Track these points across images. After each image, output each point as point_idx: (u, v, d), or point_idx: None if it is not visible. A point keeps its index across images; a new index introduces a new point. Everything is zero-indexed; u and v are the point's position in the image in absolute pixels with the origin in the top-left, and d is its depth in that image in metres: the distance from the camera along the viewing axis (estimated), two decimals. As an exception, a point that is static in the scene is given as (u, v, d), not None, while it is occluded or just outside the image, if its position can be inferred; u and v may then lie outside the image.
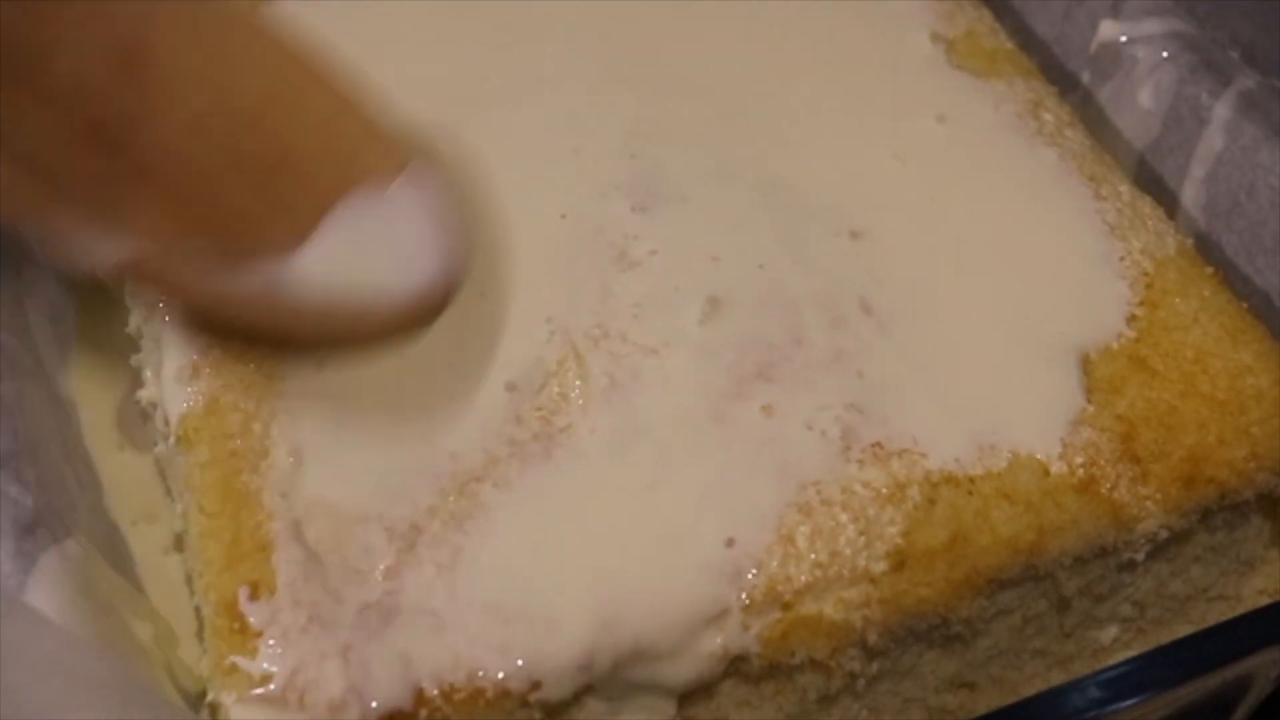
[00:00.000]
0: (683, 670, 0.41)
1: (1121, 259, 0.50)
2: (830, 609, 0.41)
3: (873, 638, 0.42)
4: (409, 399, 0.45)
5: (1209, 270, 0.50)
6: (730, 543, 0.42)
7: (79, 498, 0.48)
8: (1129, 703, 0.41)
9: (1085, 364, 0.47)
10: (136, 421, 0.52)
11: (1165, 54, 0.56)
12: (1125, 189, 0.52)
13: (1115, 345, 0.47)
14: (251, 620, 0.40)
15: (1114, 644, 0.48)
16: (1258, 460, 0.45)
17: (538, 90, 0.54)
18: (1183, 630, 0.49)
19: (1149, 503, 0.44)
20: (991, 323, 0.48)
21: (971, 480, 0.44)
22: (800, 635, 0.41)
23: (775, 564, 0.41)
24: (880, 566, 0.42)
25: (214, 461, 0.44)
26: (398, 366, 0.46)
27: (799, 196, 0.51)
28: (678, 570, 0.41)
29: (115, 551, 0.49)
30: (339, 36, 0.44)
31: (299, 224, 0.41)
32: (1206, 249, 0.52)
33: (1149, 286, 0.49)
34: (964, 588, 0.43)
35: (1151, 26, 0.57)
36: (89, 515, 0.48)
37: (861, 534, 0.42)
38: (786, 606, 0.41)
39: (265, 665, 0.39)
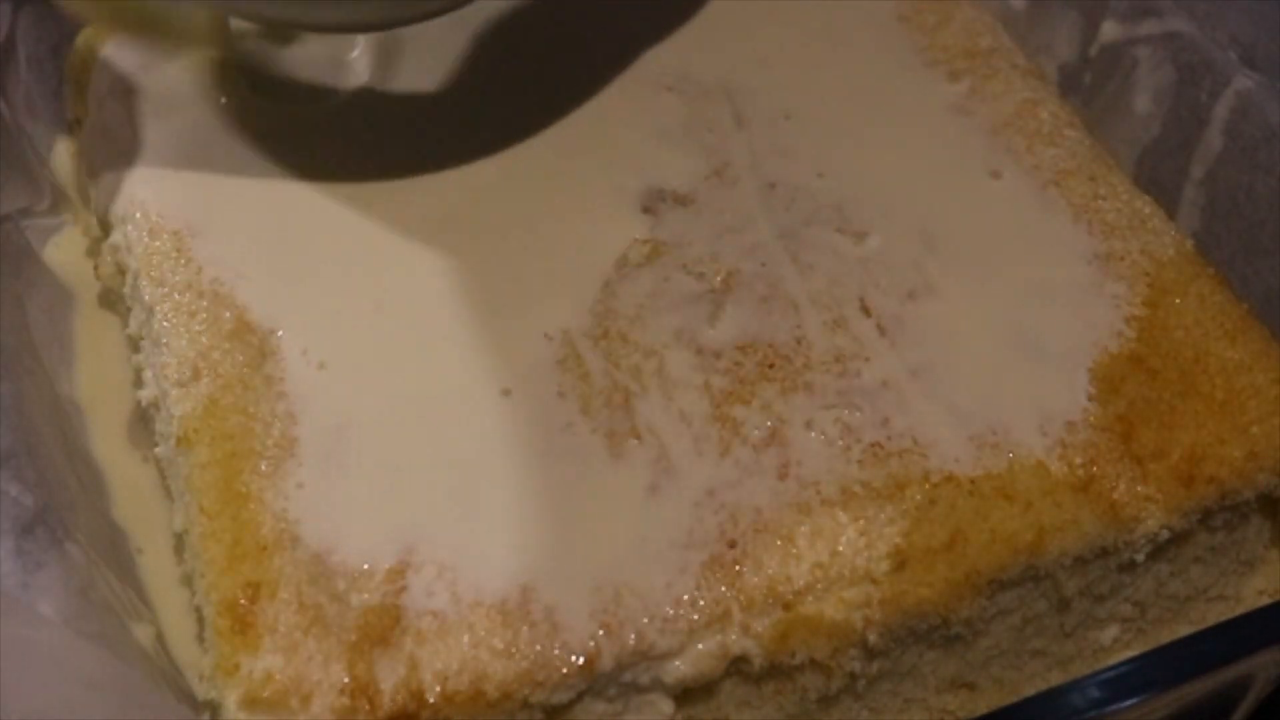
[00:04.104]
0: (684, 671, 0.41)
1: (1121, 259, 0.50)
2: (830, 609, 0.41)
3: (873, 638, 0.42)
4: (410, 401, 0.45)
5: (1209, 270, 0.50)
6: (731, 544, 0.42)
7: (80, 498, 0.48)
8: (1129, 703, 0.41)
9: (1085, 364, 0.47)
10: (136, 422, 0.52)
11: (1165, 54, 0.56)
12: (1125, 189, 0.52)
13: (1115, 345, 0.47)
14: (253, 621, 0.40)
15: (1114, 644, 0.48)
16: (1258, 460, 0.45)
17: (543, 92, 0.54)
18: (1183, 630, 0.49)
19: (1149, 503, 0.44)
20: (991, 323, 0.48)
21: (972, 480, 0.44)
22: (800, 635, 0.41)
23: (775, 564, 0.42)
24: (880, 566, 0.42)
25: (214, 462, 0.44)
26: (398, 367, 0.46)
27: (801, 199, 0.51)
28: (679, 571, 0.41)
29: (116, 552, 0.49)
30: None
31: None
32: (1206, 249, 0.52)
33: (1149, 286, 0.49)
34: (964, 588, 0.42)
35: (1151, 27, 0.57)
36: (90, 515, 0.48)
37: (861, 534, 0.42)
38: (787, 606, 0.41)
39: (267, 666, 0.39)
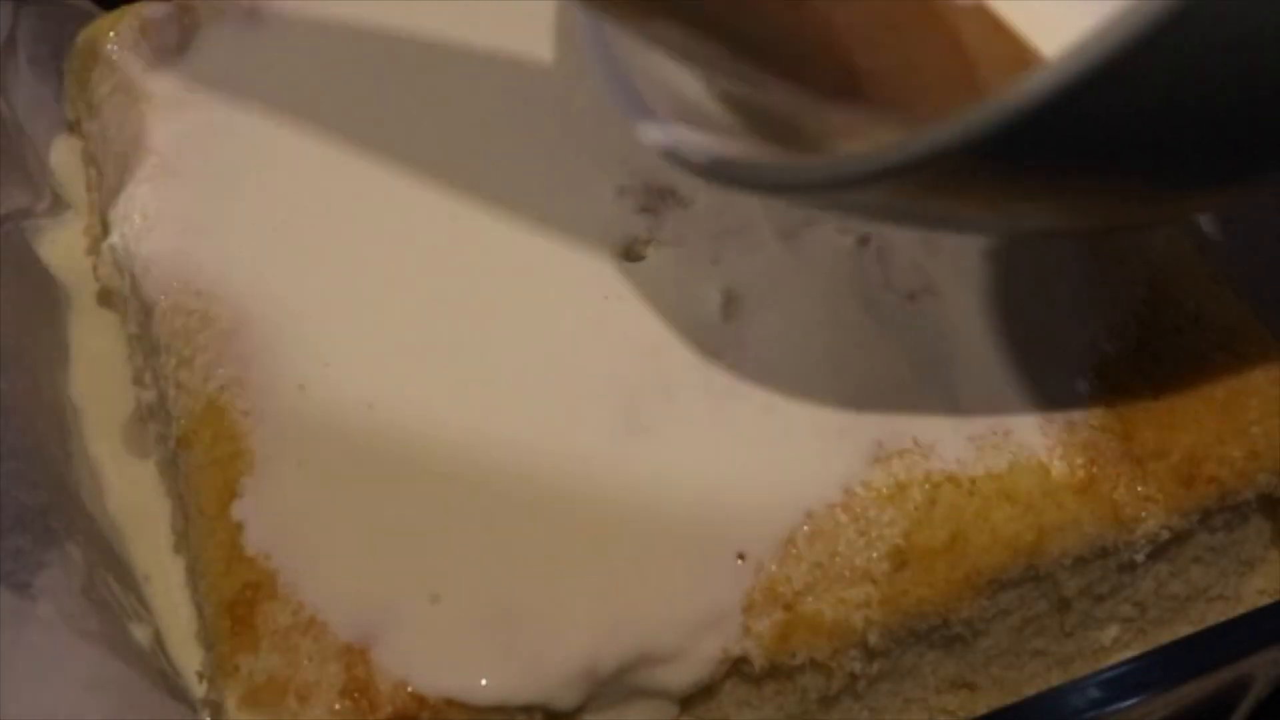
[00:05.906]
0: (685, 673, 0.41)
1: (1122, 259, 0.50)
2: (831, 609, 0.41)
3: (873, 638, 0.42)
4: (406, 407, 0.45)
5: (1209, 270, 0.50)
6: (731, 545, 0.42)
7: (80, 498, 0.48)
8: (1129, 703, 0.41)
9: (1085, 364, 0.47)
10: (136, 422, 0.52)
11: (1165, 54, 0.56)
12: (1125, 189, 0.52)
13: (1115, 345, 0.47)
14: (253, 622, 0.40)
15: (1114, 644, 0.49)
16: (1258, 460, 0.45)
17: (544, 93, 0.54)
18: (1183, 630, 0.49)
19: (1149, 503, 0.44)
20: (991, 323, 0.48)
21: (972, 480, 0.44)
22: (801, 636, 0.41)
23: (775, 565, 0.41)
24: (881, 567, 0.42)
25: (213, 463, 0.43)
26: (396, 371, 0.46)
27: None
28: (680, 573, 0.41)
29: (115, 552, 0.49)
30: None
31: None
32: (1206, 249, 0.52)
33: (1149, 287, 0.49)
34: (964, 588, 0.43)
35: (1151, 26, 0.57)
36: (90, 515, 0.48)
37: (862, 534, 0.42)
38: (787, 607, 0.41)
39: (266, 667, 0.39)
